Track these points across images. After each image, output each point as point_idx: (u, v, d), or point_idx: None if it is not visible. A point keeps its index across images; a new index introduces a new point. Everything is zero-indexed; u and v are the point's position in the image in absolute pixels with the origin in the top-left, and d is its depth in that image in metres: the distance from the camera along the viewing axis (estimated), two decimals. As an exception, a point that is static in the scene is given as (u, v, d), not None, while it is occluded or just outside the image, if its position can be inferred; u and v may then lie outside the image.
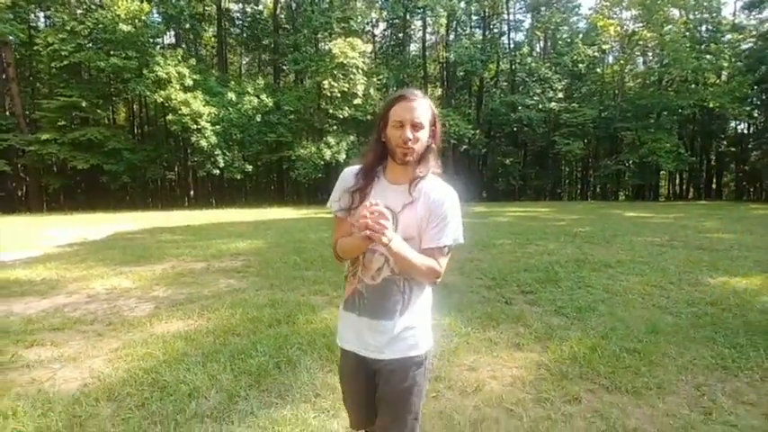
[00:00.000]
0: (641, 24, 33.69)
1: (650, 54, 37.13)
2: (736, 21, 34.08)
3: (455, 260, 7.15)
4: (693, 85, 32.50)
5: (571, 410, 2.49)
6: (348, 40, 26.19)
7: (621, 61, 36.82)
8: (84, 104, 25.02)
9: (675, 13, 33.69)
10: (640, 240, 8.77)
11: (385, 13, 34.01)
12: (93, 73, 26.99)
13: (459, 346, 3.42)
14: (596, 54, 36.25)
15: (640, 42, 35.53)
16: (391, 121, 1.39)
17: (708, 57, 31.38)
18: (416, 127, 1.38)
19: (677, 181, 39.37)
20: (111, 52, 23.43)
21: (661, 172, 36.29)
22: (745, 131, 36.11)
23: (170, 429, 2.34)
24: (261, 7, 33.72)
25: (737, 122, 35.45)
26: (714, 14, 33.63)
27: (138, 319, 4.36)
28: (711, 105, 30.75)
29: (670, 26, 32.63)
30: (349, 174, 1.51)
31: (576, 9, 37.03)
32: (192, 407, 2.54)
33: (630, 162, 33.60)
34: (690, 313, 4.14)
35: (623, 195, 38.56)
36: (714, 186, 37.71)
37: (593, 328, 3.79)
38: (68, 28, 23.99)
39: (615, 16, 35.63)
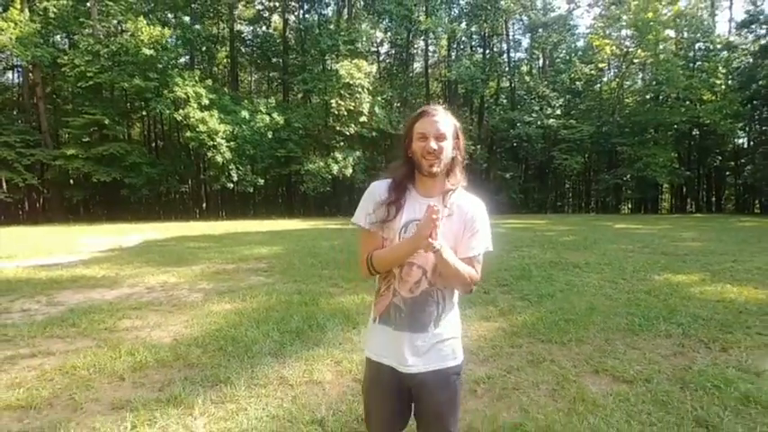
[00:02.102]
0: (635, 44, 35.08)
1: (646, 72, 38.52)
2: (730, 39, 35.42)
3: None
4: (688, 102, 33.77)
5: (512, 352, 3.66)
6: (354, 61, 27.75)
7: (617, 79, 38.17)
8: (106, 122, 26.65)
9: (671, 32, 35.13)
10: (614, 247, 9.92)
11: (389, 34, 35.72)
12: (114, 92, 28.66)
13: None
14: (593, 72, 37.66)
15: (636, 61, 36.93)
16: (415, 135, 1.46)
17: (701, 75, 32.71)
18: (439, 138, 1.44)
19: (678, 195, 40.37)
20: (134, 74, 25.02)
21: (664, 186, 37.44)
22: (745, 146, 37.10)
23: (244, 360, 3.53)
24: (272, 30, 35.46)
25: (735, 138, 36.54)
26: (707, 33, 35.02)
27: (194, 302, 5.58)
28: (705, 122, 31.97)
29: (664, 45, 34.06)
30: (379, 188, 1.54)
31: (574, 29, 38.57)
32: (255, 349, 3.74)
33: (629, 176, 34.76)
34: (625, 299, 5.30)
35: (626, 209, 39.62)
36: (714, 200, 38.67)
37: (546, 307, 4.96)
38: (94, 51, 25.74)
39: (614, 35, 37.10)
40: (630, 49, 35.86)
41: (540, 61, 40.34)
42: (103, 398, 2.95)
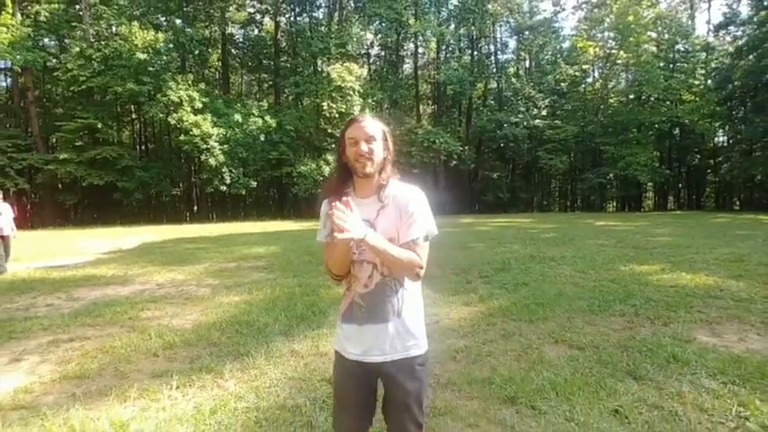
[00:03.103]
0: (617, 46, 36.14)
1: (628, 73, 39.65)
2: (709, 40, 36.64)
3: (434, 258, 9.00)
4: (668, 102, 34.92)
5: (488, 328, 4.30)
6: (345, 65, 28.33)
7: (601, 80, 39.25)
8: (99, 125, 26.91)
9: (651, 34, 36.23)
10: (590, 243, 10.65)
11: (379, 36, 36.35)
12: (107, 96, 28.86)
13: (429, 304, 5.22)
14: (577, 73, 38.70)
15: (618, 62, 38.02)
16: (348, 141, 1.56)
17: (680, 76, 33.85)
18: (369, 140, 1.54)
19: (660, 193, 41.53)
20: (127, 78, 25.31)
21: (648, 184, 38.60)
22: (725, 145, 38.28)
23: (258, 339, 4.11)
24: (263, 33, 35.86)
25: (713, 136, 37.73)
26: (686, 35, 36.16)
27: (204, 295, 6.14)
28: (684, 121, 33.12)
29: (644, 47, 35.17)
30: (325, 203, 1.63)
31: (559, 31, 39.55)
32: (267, 330, 4.33)
33: (612, 175, 35.80)
34: (591, 286, 5.97)
35: (611, 207, 40.72)
36: (695, 197, 39.90)
37: (521, 294, 5.62)
38: (87, 55, 25.97)
39: (598, 36, 38.08)
40: (613, 51, 36.96)
41: (527, 63, 41.28)
42: (144, 369, 3.52)
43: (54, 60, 29.46)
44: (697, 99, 33.81)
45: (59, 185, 30.52)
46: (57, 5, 28.12)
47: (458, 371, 3.30)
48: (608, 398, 2.77)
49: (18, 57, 24.99)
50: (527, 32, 37.93)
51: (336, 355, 1.67)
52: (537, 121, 34.50)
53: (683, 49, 36.46)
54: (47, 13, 27.32)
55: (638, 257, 8.19)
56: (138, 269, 8.53)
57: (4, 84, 36.01)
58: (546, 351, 3.66)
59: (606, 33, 37.17)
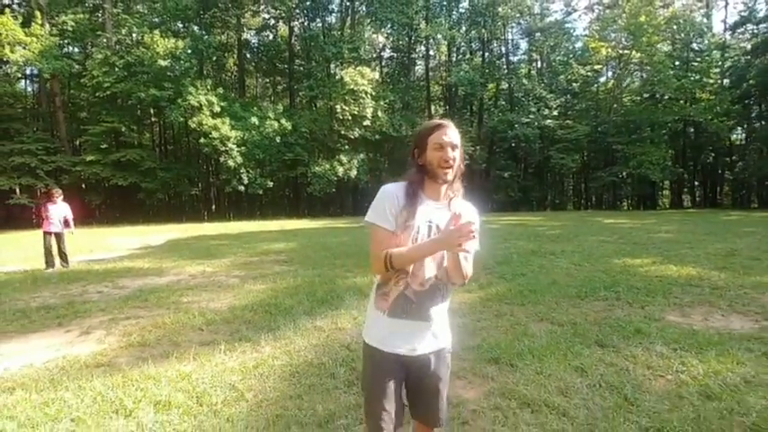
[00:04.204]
0: (630, 46, 36.17)
1: (642, 72, 39.61)
2: (724, 39, 36.43)
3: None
4: (682, 101, 34.85)
5: (483, 310, 4.93)
6: (358, 68, 29.08)
7: (614, 80, 39.29)
8: (122, 129, 28.12)
9: (666, 34, 36.16)
10: (592, 239, 11.15)
11: (391, 40, 37.02)
12: (129, 101, 30.05)
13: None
14: (589, 74, 38.81)
15: (632, 63, 38.03)
16: (431, 145, 1.58)
17: (694, 75, 33.79)
18: (454, 148, 1.59)
19: (676, 191, 41.32)
20: (150, 84, 26.43)
21: (664, 183, 38.50)
22: (742, 143, 37.96)
23: (286, 317, 4.80)
24: (278, 38, 36.81)
25: (728, 135, 37.48)
26: (701, 34, 36.03)
27: (234, 284, 6.88)
28: (697, 120, 33.06)
29: (657, 47, 35.13)
30: (393, 192, 1.63)
31: (570, 32, 39.68)
32: (293, 311, 5.03)
33: (624, 174, 35.86)
34: (583, 276, 6.54)
35: (626, 205, 40.68)
36: (710, 195, 39.65)
37: (517, 282, 6.23)
38: (110, 62, 27.17)
39: (611, 36, 38.08)
40: (625, 51, 36.99)
41: (538, 63, 41.49)
42: (193, 339, 4.24)
43: (78, 67, 30.76)
44: (711, 98, 33.70)
45: (84, 186, 31.89)
46: (81, 15, 29.42)
47: (454, 341, 3.93)
48: (574, 359, 3.39)
49: (47, 65, 26.29)
50: (538, 34, 38.17)
51: (371, 350, 1.68)
52: (548, 121, 34.76)
53: (697, 48, 36.34)
54: (72, 23, 28.59)
55: (633, 252, 8.71)
56: (171, 263, 9.33)
57: (31, 89, 37.73)
58: (530, 327, 4.28)
59: (618, 34, 37.22)
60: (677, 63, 34.88)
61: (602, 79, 41.26)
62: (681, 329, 4.05)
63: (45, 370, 3.52)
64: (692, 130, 36.64)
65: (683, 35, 35.72)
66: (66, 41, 30.27)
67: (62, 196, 9.67)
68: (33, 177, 26.73)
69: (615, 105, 38.13)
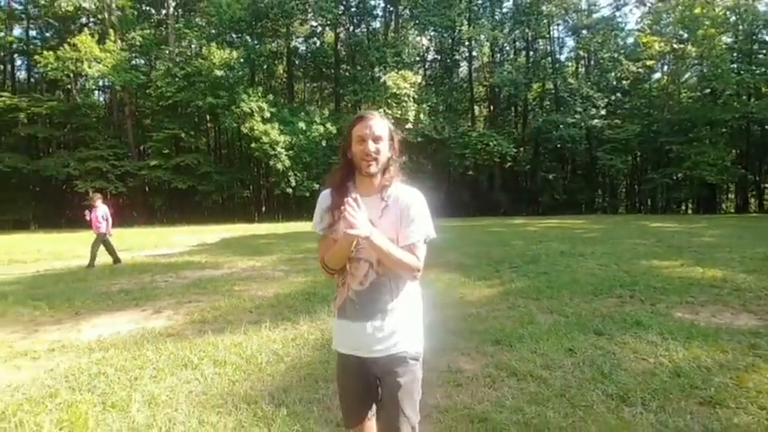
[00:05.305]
0: (685, 40, 34.51)
1: (702, 67, 37.58)
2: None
3: (473, 251, 10.04)
4: (744, 97, 32.80)
5: (500, 302, 5.39)
6: (401, 72, 29.76)
7: (668, 76, 37.58)
8: (182, 135, 30.40)
9: (723, 26, 34.20)
10: (628, 242, 11.14)
11: (434, 43, 37.44)
12: (188, 109, 32.37)
13: (458, 285, 6.39)
14: (641, 70, 37.31)
15: (688, 57, 36.21)
16: (354, 138, 1.58)
17: (759, 69, 31.69)
18: (376, 140, 1.56)
19: (739, 194, 38.81)
20: (206, 92, 28.45)
21: (727, 185, 36.31)
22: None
23: (323, 303, 5.48)
24: (325, 45, 38.20)
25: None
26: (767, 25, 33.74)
27: (279, 276, 7.69)
28: (763, 117, 31.00)
29: (718, 38, 33.23)
30: (324, 195, 1.68)
31: (619, 28, 38.26)
32: (329, 298, 5.68)
33: (680, 175, 34.20)
34: (606, 276, 6.79)
35: (685, 208, 38.65)
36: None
37: (539, 280, 6.59)
38: (172, 73, 29.50)
39: (667, 29, 36.40)
40: (680, 46, 35.31)
41: (585, 61, 40.41)
42: (243, 319, 5.00)
43: (143, 78, 33.51)
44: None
45: (148, 188, 34.65)
46: (148, 31, 32.07)
47: (465, 326, 4.46)
48: (568, 342, 3.82)
49: (118, 77, 28.93)
50: (585, 31, 37.21)
51: (336, 354, 1.73)
52: (595, 120, 33.81)
53: (762, 39, 34.05)
54: (140, 38, 31.23)
55: (664, 254, 8.75)
56: (224, 258, 10.36)
57: (102, 100, 41.30)
58: (538, 317, 4.72)
59: (673, 27, 35.59)
60: (738, 56, 32.88)
61: (656, 75, 39.55)
62: (680, 324, 4.34)
63: (129, 336, 4.40)
64: (758, 128, 34.37)
65: (745, 26, 33.64)
66: (134, 55, 33.08)
67: (101, 199, 10.05)
68: (105, 180, 29.46)
69: (670, 103, 36.45)
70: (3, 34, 32.60)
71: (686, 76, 38.55)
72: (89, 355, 3.89)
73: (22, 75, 38.47)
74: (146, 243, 14.73)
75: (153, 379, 3.28)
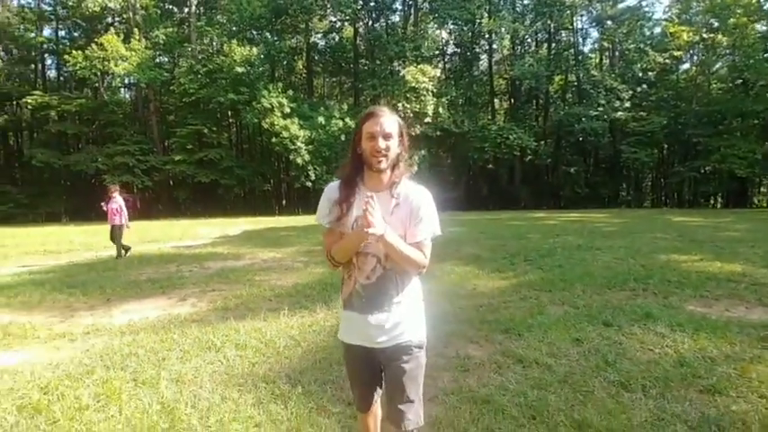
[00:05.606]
0: (715, 29, 33.37)
1: (732, 57, 36.28)
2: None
3: (489, 245, 10.09)
4: (778, 88, 31.57)
5: (512, 294, 5.48)
6: (420, 66, 29.69)
7: (696, 67, 36.42)
8: (205, 131, 31.06)
9: (756, 14, 32.92)
10: (648, 236, 11.00)
11: (454, 36, 37.13)
12: (210, 105, 33.03)
13: (472, 277, 6.49)
14: (668, 61, 36.26)
15: (719, 47, 34.99)
16: (365, 134, 1.60)
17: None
18: (386, 137, 1.58)
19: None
20: (228, 89, 28.98)
21: (762, 179, 35.12)
22: None
23: (339, 294, 5.67)
24: (343, 39, 38.33)
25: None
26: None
27: (299, 267, 7.93)
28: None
29: (751, 26, 32.03)
30: (332, 188, 1.71)
31: (649, 16, 37.17)
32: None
33: (708, 169, 33.23)
34: (619, 269, 6.79)
35: (714, 203, 37.57)
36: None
37: (553, 273, 6.64)
38: (195, 70, 30.13)
39: (697, 18, 35.21)
40: (710, 35, 34.16)
41: (609, 52, 39.47)
42: (263, 306, 5.24)
43: (167, 75, 34.28)
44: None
45: (172, 182, 35.54)
46: (171, 29, 32.79)
47: (476, 316, 4.58)
48: (576, 333, 3.91)
49: (143, 75, 29.71)
50: (609, 21, 36.30)
51: (341, 343, 1.81)
52: (619, 113, 33.05)
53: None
54: (164, 36, 31.94)
55: (684, 249, 8.64)
56: (246, 249, 10.68)
57: (128, 97, 42.42)
58: (549, 308, 4.80)
59: (702, 16, 34.43)
60: (770, 45, 31.61)
61: (684, 66, 38.36)
62: (691, 316, 4.37)
63: (158, 321, 4.69)
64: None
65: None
66: (157, 53, 33.87)
67: (118, 191, 10.08)
68: (132, 175, 30.34)
69: (699, 94, 35.35)
70: (33, 35, 33.83)
71: (716, 66, 37.31)
72: (121, 337, 4.18)
73: (52, 73, 39.80)
74: (171, 235, 15.23)
75: (179, 360, 3.53)
